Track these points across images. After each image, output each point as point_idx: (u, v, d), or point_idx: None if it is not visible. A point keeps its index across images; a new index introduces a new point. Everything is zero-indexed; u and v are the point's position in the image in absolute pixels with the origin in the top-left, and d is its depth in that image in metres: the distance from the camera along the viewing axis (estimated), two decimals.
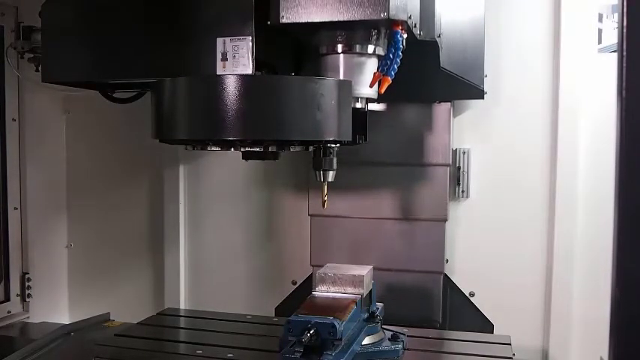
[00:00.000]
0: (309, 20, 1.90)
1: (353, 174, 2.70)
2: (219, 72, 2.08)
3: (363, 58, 2.03)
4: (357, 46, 2.01)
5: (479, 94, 2.57)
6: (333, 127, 1.98)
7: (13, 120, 3.11)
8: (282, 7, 1.91)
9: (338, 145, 2.15)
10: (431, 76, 2.45)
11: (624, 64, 1.10)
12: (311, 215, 2.78)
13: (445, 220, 2.67)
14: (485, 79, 2.59)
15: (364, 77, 2.03)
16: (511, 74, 2.69)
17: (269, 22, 1.95)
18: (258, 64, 2.07)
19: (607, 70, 2.54)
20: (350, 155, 2.62)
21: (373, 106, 2.55)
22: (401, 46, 1.92)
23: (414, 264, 2.67)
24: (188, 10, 2.13)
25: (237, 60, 2.07)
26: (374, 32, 2.00)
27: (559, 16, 2.62)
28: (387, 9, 1.84)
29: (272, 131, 1.97)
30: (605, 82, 2.54)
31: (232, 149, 2.08)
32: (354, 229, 2.72)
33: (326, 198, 2.22)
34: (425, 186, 2.65)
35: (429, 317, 2.67)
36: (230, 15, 2.08)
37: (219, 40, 2.08)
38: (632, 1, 1.09)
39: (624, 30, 1.10)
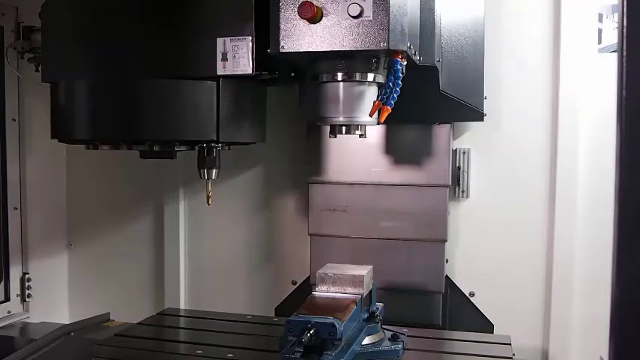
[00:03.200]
0: (310, 50, 1.91)
1: (352, 194, 2.71)
2: (219, 72, 2.10)
3: (362, 87, 2.04)
4: (357, 74, 2.02)
5: (478, 116, 2.57)
6: (212, 129, 2.13)
7: (13, 120, 3.11)
8: (283, 36, 1.92)
9: (220, 145, 2.26)
10: (430, 98, 2.45)
11: (624, 64, 1.10)
12: (311, 235, 2.78)
13: (444, 240, 2.66)
14: (485, 88, 2.58)
15: (364, 105, 2.04)
16: (511, 74, 2.69)
17: (269, 51, 1.96)
18: (257, 63, 2.09)
19: (607, 70, 2.54)
20: (350, 175, 2.69)
21: (374, 127, 2.56)
22: (400, 74, 1.93)
23: (413, 284, 2.67)
24: (188, 10, 2.14)
25: (237, 60, 2.08)
26: (374, 61, 2.01)
27: (559, 16, 2.61)
28: (386, 40, 1.85)
29: (148, 131, 2.16)
30: (605, 82, 2.55)
31: (126, 148, 2.28)
32: (354, 249, 2.71)
33: (210, 194, 2.36)
34: (424, 206, 2.64)
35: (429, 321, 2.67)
36: (230, 15, 2.10)
37: (220, 40, 2.09)
38: (632, 1, 1.09)
39: (624, 30, 1.10)
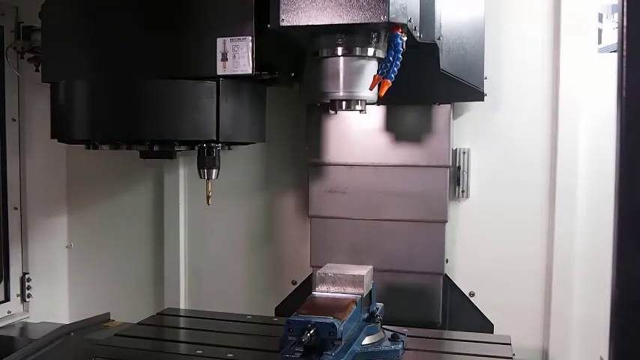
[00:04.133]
0: (309, 23, 1.91)
1: (353, 175, 2.70)
2: (219, 72, 2.11)
3: (362, 61, 2.03)
4: (357, 48, 2.02)
5: (479, 96, 2.56)
6: (211, 129, 2.13)
7: (13, 120, 3.11)
8: (283, 10, 1.92)
9: (220, 145, 2.27)
10: (431, 78, 2.44)
11: (624, 64, 1.10)
12: (311, 216, 2.78)
13: (445, 221, 2.66)
14: (485, 81, 2.58)
15: (364, 80, 2.04)
16: (511, 75, 2.69)
17: (269, 26, 1.96)
18: (257, 64, 2.09)
19: (607, 70, 2.54)
20: (350, 156, 2.68)
21: (373, 108, 2.56)
22: (401, 49, 1.92)
23: (414, 265, 2.66)
24: (188, 10, 2.14)
25: (237, 60, 2.08)
26: (374, 35, 2.01)
27: (559, 16, 2.61)
28: (387, 12, 1.85)
29: (147, 131, 2.17)
30: (605, 82, 2.54)
31: (126, 148, 2.28)
32: (354, 231, 2.71)
33: (210, 194, 2.36)
34: (425, 187, 2.64)
35: (429, 319, 2.66)
36: (230, 15, 2.10)
37: (220, 41, 2.09)
38: (632, 1, 1.09)
39: (624, 30, 1.10)
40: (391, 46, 1.94)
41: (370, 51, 2.02)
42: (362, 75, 2.04)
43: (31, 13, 2.47)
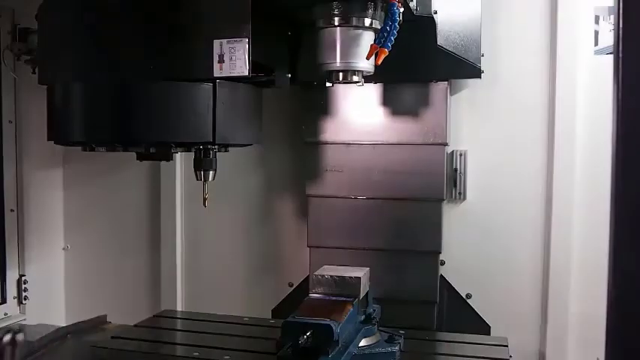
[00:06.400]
0: None
1: (350, 154, 2.70)
2: (216, 74, 2.10)
3: (359, 31, 2.04)
4: (354, 18, 2.03)
5: (476, 72, 2.56)
6: (208, 131, 2.11)
7: (10, 122, 3.11)
8: None
9: (216, 147, 2.25)
10: (428, 54, 2.45)
11: (620, 66, 1.10)
12: (308, 196, 2.77)
13: (442, 199, 2.65)
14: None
15: (361, 50, 2.05)
16: (508, 75, 2.69)
17: None
18: (254, 65, 2.09)
19: (603, 72, 2.54)
20: (346, 135, 2.68)
21: (370, 86, 2.58)
22: (398, 17, 1.93)
23: (411, 244, 2.66)
24: (185, 12, 2.13)
25: (233, 62, 2.08)
26: (370, 5, 2.02)
27: (555, 19, 2.62)
28: None
29: (144, 134, 2.15)
30: (602, 84, 2.55)
31: (123, 150, 2.25)
32: (351, 210, 2.71)
33: (207, 196, 2.33)
34: (421, 166, 2.63)
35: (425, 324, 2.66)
36: (227, 17, 2.09)
37: (216, 42, 2.08)
38: (628, 3, 1.10)
39: (620, 32, 1.10)
40: (388, 15, 1.95)
41: (367, 21, 2.03)
42: (359, 46, 2.05)
43: (28, 15, 2.47)
